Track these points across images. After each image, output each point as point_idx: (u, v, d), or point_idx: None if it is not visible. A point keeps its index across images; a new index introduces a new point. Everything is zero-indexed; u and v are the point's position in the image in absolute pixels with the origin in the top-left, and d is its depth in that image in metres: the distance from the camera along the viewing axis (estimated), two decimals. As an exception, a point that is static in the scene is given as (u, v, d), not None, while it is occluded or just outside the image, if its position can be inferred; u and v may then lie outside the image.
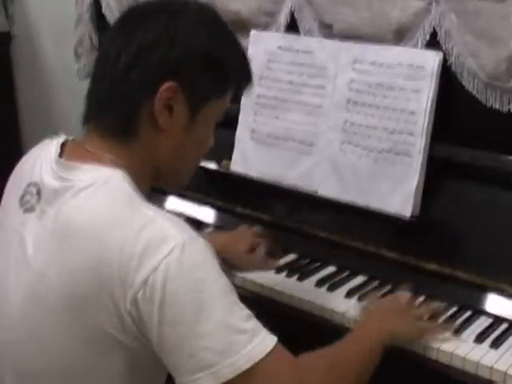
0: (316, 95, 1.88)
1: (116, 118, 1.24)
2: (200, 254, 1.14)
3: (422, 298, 1.66)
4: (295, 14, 1.96)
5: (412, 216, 1.73)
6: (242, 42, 1.37)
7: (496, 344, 1.49)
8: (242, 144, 2.01)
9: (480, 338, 1.51)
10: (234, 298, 1.16)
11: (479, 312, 1.60)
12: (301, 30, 1.95)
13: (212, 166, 2.03)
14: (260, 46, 1.98)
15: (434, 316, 1.56)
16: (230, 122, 1.97)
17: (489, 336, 1.52)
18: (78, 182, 1.20)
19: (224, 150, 2.00)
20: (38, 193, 1.24)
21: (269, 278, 1.75)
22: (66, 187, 1.20)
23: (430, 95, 1.70)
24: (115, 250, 1.12)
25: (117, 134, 1.24)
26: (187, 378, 1.13)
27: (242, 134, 2.01)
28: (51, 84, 3.05)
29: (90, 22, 2.48)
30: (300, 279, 1.74)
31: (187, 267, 1.11)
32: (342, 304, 1.64)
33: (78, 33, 2.52)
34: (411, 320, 1.52)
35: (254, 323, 1.15)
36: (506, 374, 1.41)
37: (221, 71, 1.28)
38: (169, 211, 1.22)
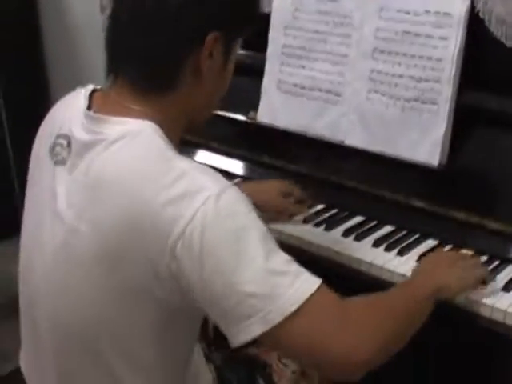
0: (342, 44, 1.86)
1: (158, 71, 1.21)
2: (236, 202, 1.13)
3: (449, 247, 1.65)
4: (321, -37, 1.91)
5: (440, 164, 1.71)
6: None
7: (522, 291, 1.48)
8: (268, 95, 2.00)
9: (508, 286, 1.51)
10: (273, 243, 1.15)
11: (507, 261, 1.60)
12: (326, -22, 1.91)
13: (239, 117, 2.03)
14: (286, -4, 1.95)
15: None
16: (256, 73, 1.99)
17: (517, 284, 1.51)
18: (109, 135, 1.18)
19: (250, 101, 2.00)
20: (69, 145, 1.23)
21: (296, 228, 1.76)
22: (96, 140, 1.19)
23: (458, 42, 1.67)
24: (149, 202, 1.10)
25: (154, 86, 1.22)
26: (235, 328, 1.12)
27: (268, 84, 2.00)
28: (77, 36, 3.05)
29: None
30: (327, 229, 1.75)
31: (224, 215, 1.10)
32: (369, 253, 1.65)
33: (102, -15, 2.52)
34: (460, 272, 1.47)
35: (295, 266, 1.15)
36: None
37: (252, 16, 1.31)
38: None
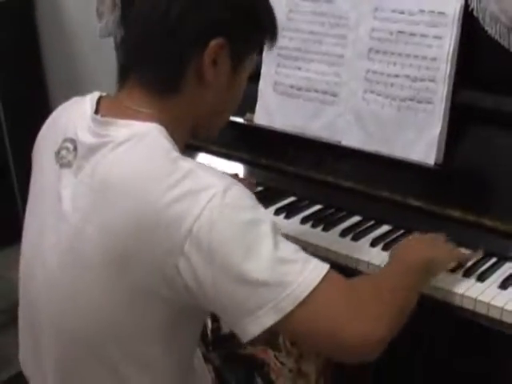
0: (338, 45, 1.87)
1: (163, 72, 1.24)
2: (241, 197, 1.15)
3: None
4: (315, -37, 1.92)
5: (436, 163, 1.72)
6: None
7: (520, 289, 1.48)
8: (264, 96, 2.01)
9: (504, 284, 1.51)
10: (280, 235, 1.16)
11: (504, 259, 1.60)
12: (321, -21, 1.92)
13: (236, 119, 2.03)
14: (281, -3, 1.96)
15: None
16: (252, 75, 1.97)
17: (513, 282, 1.51)
18: (115, 138, 1.20)
19: (247, 103, 1.93)
20: (75, 149, 1.24)
21: (294, 228, 1.76)
22: (102, 143, 1.20)
23: (452, 41, 1.68)
24: (155, 203, 1.11)
25: (160, 89, 1.24)
26: (248, 319, 1.12)
27: (264, 86, 2.01)
28: (75, 43, 3.07)
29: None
30: (325, 229, 1.75)
31: (231, 211, 1.12)
32: (366, 253, 1.65)
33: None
34: (443, 245, 1.53)
35: (303, 254, 1.17)
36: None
37: (260, 25, 1.32)
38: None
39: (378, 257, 1.63)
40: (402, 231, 1.73)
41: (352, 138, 1.85)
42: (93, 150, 1.21)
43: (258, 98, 2.02)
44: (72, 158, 1.24)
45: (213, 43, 1.22)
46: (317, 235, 1.74)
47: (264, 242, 1.12)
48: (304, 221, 1.80)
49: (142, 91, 1.25)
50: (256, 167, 2.02)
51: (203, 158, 2.10)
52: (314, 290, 1.12)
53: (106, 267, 1.17)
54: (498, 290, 1.50)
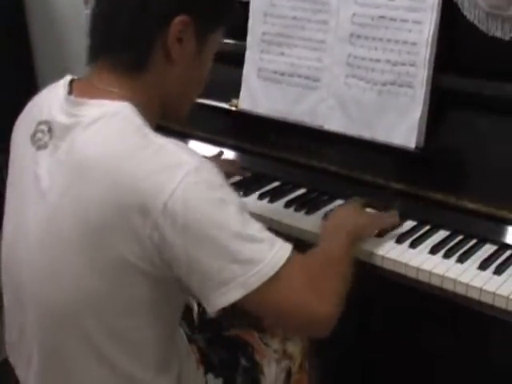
0: (320, 30, 1.87)
1: (130, 52, 1.27)
2: (213, 175, 1.19)
3: (427, 227, 1.68)
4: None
5: (417, 147, 1.73)
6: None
7: (499, 271, 1.51)
8: (249, 82, 2.01)
9: (483, 265, 1.53)
10: (247, 213, 1.22)
11: (484, 240, 1.62)
12: (303, -36, 1.93)
13: (221, 104, 2.05)
14: (264, -17, 1.97)
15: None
16: (236, 61, 2.01)
17: (492, 263, 1.53)
18: (88, 117, 1.23)
19: (232, 88, 2.02)
20: (50, 130, 1.28)
21: (277, 212, 1.78)
22: (76, 122, 1.23)
23: (432, 26, 1.68)
24: (130, 178, 1.15)
25: (128, 68, 1.27)
26: (217, 292, 1.18)
27: (248, 72, 2.01)
28: (64, 28, 3.07)
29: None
30: (308, 213, 1.77)
31: (204, 188, 1.16)
32: None
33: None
34: (366, 213, 1.64)
35: (268, 233, 1.23)
36: (508, 298, 1.43)
37: (223, 2, 1.35)
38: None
39: (363, 241, 1.62)
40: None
41: (334, 123, 1.86)
42: (67, 129, 1.24)
43: (243, 84, 2.02)
44: (48, 139, 1.28)
45: (177, 20, 1.25)
46: (300, 218, 1.76)
47: (235, 220, 1.17)
48: (288, 204, 1.81)
49: (111, 71, 1.28)
50: (241, 152, 2.04)
51: (189, 143, 2.10)
52: (281, 268, 1.19)
53: (84, 242, 1.20)
54: (478, 271, 1.52)
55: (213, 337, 1.65)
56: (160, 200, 1.14)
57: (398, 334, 2.02)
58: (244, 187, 1.90)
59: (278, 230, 1.70)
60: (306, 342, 1.70)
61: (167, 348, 1.36)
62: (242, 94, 2.03)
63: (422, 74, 1.71)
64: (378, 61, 1.78)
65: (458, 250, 1.59)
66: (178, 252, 1.16)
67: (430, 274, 1.52)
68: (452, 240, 1.63)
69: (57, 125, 1.27)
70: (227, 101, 2.05)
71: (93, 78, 1.30)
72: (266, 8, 1.96)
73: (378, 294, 1.92)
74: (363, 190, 1.80)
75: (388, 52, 1.76)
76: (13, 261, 1.35)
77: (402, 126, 1.75)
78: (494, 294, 1.45)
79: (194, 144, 2.09)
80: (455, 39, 1.73)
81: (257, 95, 2.00)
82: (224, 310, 1.21)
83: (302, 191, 1.89)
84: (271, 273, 1.18)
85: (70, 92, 1.30)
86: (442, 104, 1.73)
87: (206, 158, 1.23)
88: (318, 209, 1.79)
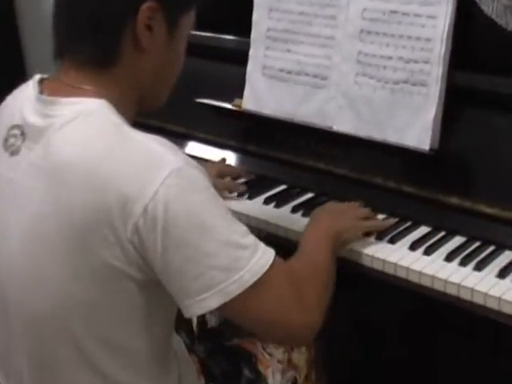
0: (328, 26, 1.80)
1: (96, 45, 1.22)
2: (196, 177, 1.16)
3: (442, 233, 1.61)
4: None
5: (431, 149, 1.66)
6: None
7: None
8: (253, 81, 1.95)
9: (502, 273, 1.46)
10: (231, 216, 1.19)
11: (502, 247, 1.55)
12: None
13: (223, 104, 1.99)
14: (270, -23, 1.91)
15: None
16: (240, 59, 1.95)
17: (512, 271, 1.47)
18: (62, 117, 1.19)
19: (235, 88, 1.96)
20: (22, 134, 1.24)
21: (284, 218, 1.72)
22: (49, 123, 1.19)
23: (447, 21, 1.61)
24: (110, 179, 1.12)
25: (97, 62, 1.23)
26: (193, 300, 1.16)
27: (252, 70, 1.95)
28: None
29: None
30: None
31: (186, 190, 1.13)
32: (361, 243, 1.59)
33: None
34: (352, 217, 1.58)
35: (252, 238, 1.20)
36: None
37: None
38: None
39: (373, 247, 1.58)
40: (396, 219, 1.68)
41: (344, 123, 1.80)
42: (41, 131, 1.20)
43: (246, 83, 1.96)
44: (20, 143, 1.24)
45: (144, 7, 1.21)
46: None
47: (218, 224, 1.15)
48: (295, 209, 1.75)
49: (78, 68, 1.24)
50: (245, 154, 1.98)
51: (190, 145, 2.06)
52: (262, 276, 1.17)
53: (67, 247, 1.16)
54: (496, 280, 1.45)
55: (214, 347, 1.62)
56: (141, 202, 1.11)
57: (412, 344, 1.96)
58: (248, 191, 1.84)
59: (285, 236, 1.67)
60: (313, 351, 1.66)
61: (162, 357, 1.33)
62: (245, 93, 1.97)
63: (436, 72, 1.64)
64: (389, 58, 1.71)
65: (474, 258, 1.52)
66: (157, 256, 1.14)
67: (446, 282, 1.46)
68: (468, 247, 1.57)
69: (29, 127, 1.23)
70: (230, 101, 1.99)
71: (61, 76, 1.26)
72: (271, 2, 1.90)
73: (391, 303, 1.86)
74: (374, 193, 1.74)
75: (400, 48, 1.69)
76: None
77: (415, 126, 1.68)
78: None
79: (195, 146, 2.05)
80: (471, 34, 1.67)
81: (262, 95, 1.94)
82: (225, 319, 1.27)
83: (309, 195, 1.83)
84: (252, 280, 1.16)
85: (41, 92, 1.26)
86: (457, 103, 1.66)
87: (191, 158, 1.20)
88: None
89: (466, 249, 1.56)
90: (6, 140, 1.26)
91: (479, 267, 1.48)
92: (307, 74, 1.86)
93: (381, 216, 1.70)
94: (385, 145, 1.73)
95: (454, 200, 1.63)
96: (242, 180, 1.90)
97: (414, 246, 1.57)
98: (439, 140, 1.67)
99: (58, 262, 1.18)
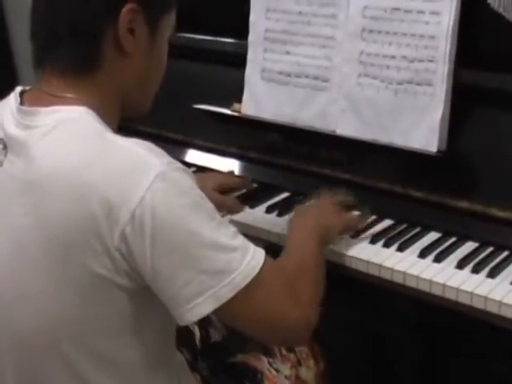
0: (328, 26, 1.76)
1: (77, 51, 1.21)
2: (182, 180, 1.14)
3: (453, 239, 1.57)
4: None
5: (438, 151, 1.62)
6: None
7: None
8: (252, 85, 1.90)
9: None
10: (219, 217, 1.18)
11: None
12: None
13: (222, 110, 1.94)
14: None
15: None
16: (237, 62, 1.90)
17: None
18: (42, 127, 1.17)
19: (233, 92, 1.92)
20: (5, 147, 1.22)
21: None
22: (30, 134, 1.17)
23: (452, 17, 1.57)
24: (93, 187, 1.10)
25: (79, 69, 1.21)
26: (185, 307, 1.14)
27: (251, 73, 1.90)
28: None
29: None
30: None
31: (172, 194, 1.12)
32: (368, 251, 1.54)
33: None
34: (335, 212, 1.57)
35: (241, 239, 1.19)
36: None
37: None
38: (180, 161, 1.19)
39: (379, 254, 1.53)
40: (404, 225, 1.64)
41: (347, 127, 1.75)
42: (22, 143, 1.18)
43: (245, 87, 1.91)
44: (3, 157, 1.22)
45: (124, 10, 1.19)
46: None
47: (206, 227, 1.13)
48: (298, 218, 1.68)
49: (60, 76, 1.22)
50: (245, 161, 1.94)
51: (189, 153, 2.02)
52: (255, 277, 1.16)
53: (49, 261, 1.15)
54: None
55: (217, 364, 1.58)
56: (127, 208, 1.09)
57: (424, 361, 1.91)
58: (250, 199, 1.79)
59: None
60: (321, 365, 1.63)
61: (159, 372, 1.30)
62: (244, 97, 1.92)
63: (441, 70, 1.59)
64: (393, 57, 1.67)
65: (487, 264, 1.47)
66: (147, 264, 1.12)
67: (458, 291, 1.41)
68: (481, 253, 1.52)
69: (11, 140, 1.21)
70: (229, 106, 1.95)
71: (43, 85, 1.24)
72: (268, 2, 1.85)
73: (402, 314, 1.81)
74: (380, 199, 1.70)
75: (404, 47, 1.65)
76: None
77: (421, 127, 1.63)
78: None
79: (194, 154, 2.00)
80: (477, 30, 1.63)
81: (261, 99, 1.89)
82: (229, 333, 1.29)
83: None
84: (244, 282, 1.15)
85: (22, 103, 1.24)
86: (464, 102, 1.61)
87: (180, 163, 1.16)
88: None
89: (479, 255, 1.51)
90: None
91: (492, 274, 1.43)
92: (307, 76, 1.81)
93: (388, 222, 1.65)
94: (390, 148, 1.68)
95: (464, 204, 1.58)
96: (244, 191, 1.85)
97: (423, 253, 1.52)
98: (447, 141, 1.63)
99: (42, 276, 1.16)
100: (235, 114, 1.94)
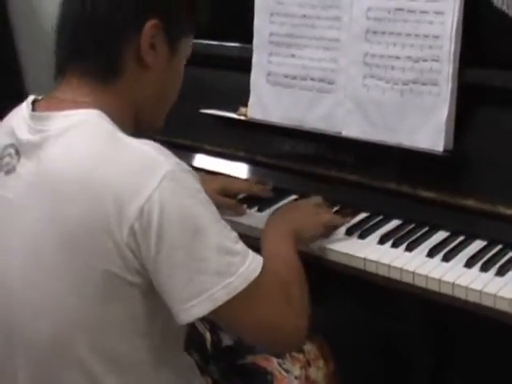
0: (332, 28, 1.76)
1: (100, 60, 1.24)
2: (190, 180, 1.17)
3: (461, 238, 1.56)
4: None
5: (445, 150, 1.61)
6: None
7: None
8: (257, 88, 1.90)
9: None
10: (222, 221, 1.20)
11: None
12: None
13: (228, 114, 1.95)
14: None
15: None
16: (243, 66, 1.91)
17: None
18: (55, 130, 1.19)
19: (239, 96, 1.92)
20: (17, 152, 1.24)
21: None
22: (43, 138, 1.20)
23: (455, 16, 1.57)
24: (106, 186, 1.13)
25: (99, 76, 1.25)
26: (184, 306, 1.16)
27: (256, 77, 1.90)
28: (48, 30, 3.07)
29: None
30: (329, 229, 1.65)
31: (181, 193, 1.14)
32: (376, 251, 1.54)
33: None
34: (310, 213, 1.58)
35: (242, 244, 1.21)
36: None
37: (193, 4, 1.34)
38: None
39: (388, 255, 1.52)
40: (412, 225, 1.63)
41: (353, 128, 1.75)
42: (35, 147, 1.21)
43: (251, 91, 1.92)
44: (15, 162, 1.24)
45: (148, 25, 1.24)
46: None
47: (211, 228, 1.16)
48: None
49: (80, 81, 1.25)
50: (252, 165, 1.93)
51: (197, 158, 2.02)
52: (253, 282, 1.18)
53: (66, 262, 1.17)
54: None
55: (227, 367, 1.58)
56: (136, 206, 1.12)
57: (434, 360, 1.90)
58: (258, 203, 1.78)
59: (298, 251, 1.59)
60: (331, 365, 1.63)
61: (167, 372, 1.31)
62: (250, 101, 1.92)
63: (446, 70, 1.59)
64: (397, 58, 1.67)
65: (496, 262, 1.47)
66: (150, 259, 1.14)
67: (467, 289, 1.41)
68: (489, 251, 1.51)
69: (23, 145, 1.23)
70: (235, 110, 1.95)
71: (59, 92, 1.27)
72: (272, 7, 1.85)
73: (410, 314, 1.80)
74: (388, 199, 1.70)
75: (408, 47, 1.65)
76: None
77: (427, 127, 1.63)
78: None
79: (202, 159, 2.00)
80: (481, 29, 1.62)
81: (267, 102, 1.89)
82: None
83: (321, 204, 1.76)
84: (242, 286, 1.16)
85: (34, 110, 1.27)
86: (470, 101, 1.61)
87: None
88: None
89: (487, 253, 1.50)
90: (1, 159, 1.26)
91: (501, 272, 1.43)
92: (313, 79, 1.81)
93: (396, 222, 1.65)
94: (397, 148, 1.68)
95: (471, 202, 1.57)
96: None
97: (431, 253, 1.51)
98: (453, 140, 1.62)
99: (59, 281, 1.18)
100: (242, 118, 1.94)
